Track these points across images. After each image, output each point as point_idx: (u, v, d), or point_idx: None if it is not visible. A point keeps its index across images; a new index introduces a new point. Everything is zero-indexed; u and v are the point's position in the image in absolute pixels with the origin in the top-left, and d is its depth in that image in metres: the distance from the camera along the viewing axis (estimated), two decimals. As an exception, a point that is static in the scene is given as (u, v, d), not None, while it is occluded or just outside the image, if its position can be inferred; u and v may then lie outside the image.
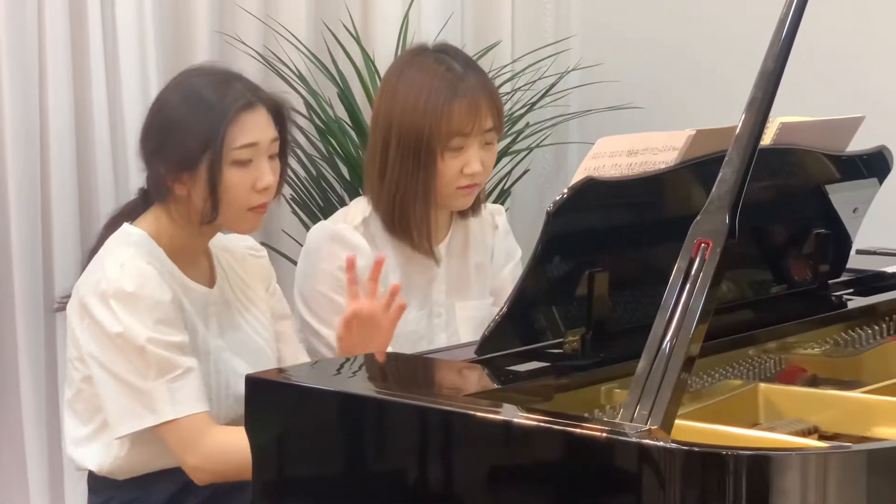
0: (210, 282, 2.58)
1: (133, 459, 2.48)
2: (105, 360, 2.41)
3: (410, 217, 2.75)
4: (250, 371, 2.49)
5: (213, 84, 2.50)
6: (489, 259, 2.93)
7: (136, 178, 3.49)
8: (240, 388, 2.46)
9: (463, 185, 2.74)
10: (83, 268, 2.55)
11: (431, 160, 2.70)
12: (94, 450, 2.51)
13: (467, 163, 2.72)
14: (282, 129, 2.55)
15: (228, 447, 2.38)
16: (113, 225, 2.56)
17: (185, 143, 2.45)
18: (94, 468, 2.53)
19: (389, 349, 2.57)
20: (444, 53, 2.78)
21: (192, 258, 2.56)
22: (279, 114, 2.55)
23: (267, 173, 2.49)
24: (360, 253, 2.72)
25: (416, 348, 2.70)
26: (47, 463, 3.49)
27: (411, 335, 2.78)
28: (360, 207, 2.82)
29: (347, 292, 2.59)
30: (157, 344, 2.38)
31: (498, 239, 2.95)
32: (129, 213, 2.58)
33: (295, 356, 2.70)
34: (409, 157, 2.71)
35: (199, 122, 2.45)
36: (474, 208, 2.85)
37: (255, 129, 2.48)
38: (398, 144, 2.72)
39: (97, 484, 2.57)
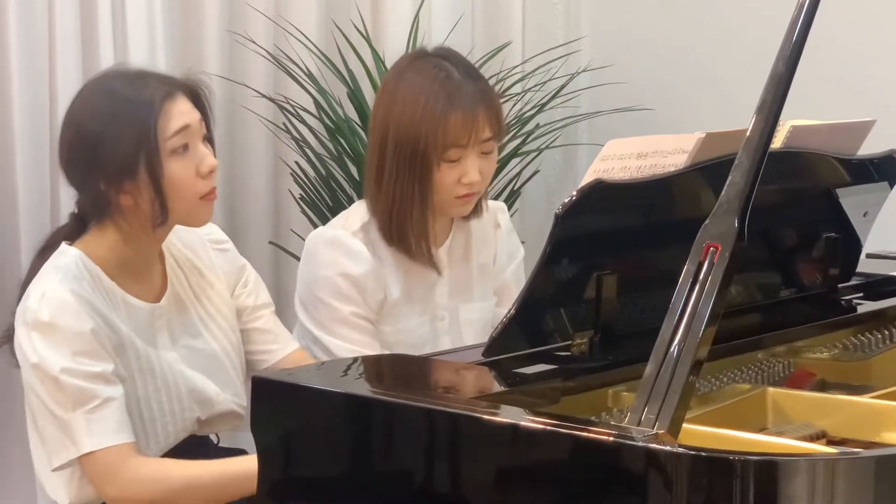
0: (160, 293, 2.49)
1: (90, 491, 2.39)
2: (34, 390, 2.35)
3: (407, 225, 2.71)
4: (205, 380, 2.49)
5: (125, 84, 2.41)
6: (492, 259, 2.90)
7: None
8: (198, 397, 2.47)
9: (461, 194, 2.70)
10: (20, 295, 2.44)
11: (427, 170, 2.66)
12: (57, 483, 2.42)
13: (465, 173, 2.68)
14: (202, 109, 2.45)
15: (148, 476, 2.33)
16: (42, 255, 2.46)
17: (119, 149, 2.35)
18: (64, 500, 2.42)
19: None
20: (445, 59, 2.73)
21: (140, 270, 2.46)
22: (197, 96, 2.46)
23: (207, 155, 2.41)
24: (359, 259, 2.70)
25: (420, 353, 2.69)
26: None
27: (415, 340, 2.76)
28: (359, 212, 2.77)
29: None
30: (73, 374, 2.30)
31: (501, 238, 2.91)
32: (61, 238, 2.46)
33: (281, 347, 2.64)
34: (406, 165, 2.67)
35: (125, 124, 2.36)
36: (475, 212, 2.81)
37: (182, 114, 2.38)
38: (395, 151, 2.68)
39: None
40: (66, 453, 2.34)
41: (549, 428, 1.73)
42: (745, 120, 1.83)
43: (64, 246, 2.41)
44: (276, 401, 2.00)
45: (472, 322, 2.84)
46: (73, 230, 2.46)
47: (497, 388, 2.04)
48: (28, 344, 2.34)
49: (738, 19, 4.11)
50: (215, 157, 2.46)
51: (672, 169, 2.19)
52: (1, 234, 3.38)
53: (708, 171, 2.19)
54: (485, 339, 2.81)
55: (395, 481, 1.86)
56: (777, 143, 2.34)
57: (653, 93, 4.17)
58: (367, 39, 3.87)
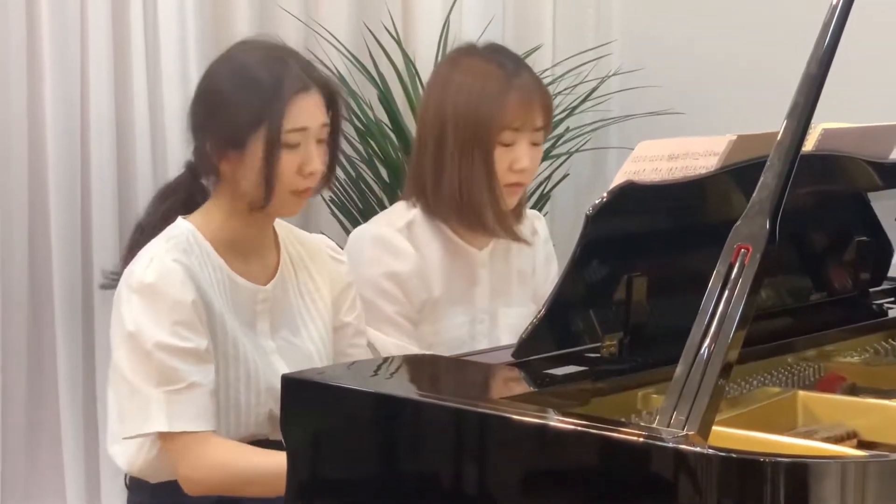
0: (267, 278, 2.51)
1: (162, 462, 2.43)
2: (118, 356, 2.38)
3: (482, 205, 2.70)
4: None
5: (266, 61, 2.44)
6: (531, 266, 2.90)
7: (175, 171, 3.52)
8: (276, 394, 2.42)
9: (511, 181, 2.71)
10: (130, 240, 2.52)
11: (489, 147, 2.67)
12: (122, 449, 2.46)
13: (517, 158, 2.69)
14: (333, 113, 2.48)
15: (217, 461, 2.36)
16: (161, 197, 2.53)
17: (235, 119, 2.39)
18: (124, 467, 2.49)
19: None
20: (496, 52, 2.77)
21: (248, 250, 2.49)
22: (331, 98, 2.49)
23: (314, 157, 2.43)
24: (404, 257, 2.70)
25: None
26: (83, 465, 3.51)
27: (454, 342, 2.76)
28: (402, 210, 2.78)
29: None
30: (166, 349, 2.33)
31: (539, 245, 2.92)
32: (176, 188, 2.53)
33: None
34: (469, 146, 2.67)
35: (250, 99, 2.39)
36: (517, 212, 2.81)
37: (307, 113, 2.42)
38: (455, 136, 2.68)
39: (132, 484, 2.55)
40: (138, 427, 2.36)
41: (578, 429, 1.73)
42: (776, 123, 1.83)
43: (179, 219, 2.46)
44: (306, 400, 2.00)
45: (511, 327, 2.82)
46: (187, 179, 2.53)
47: (526, 388, 2.03)
48: (128, 308, 2.36)
49: (770, 22, 4.10)
50: (334, 158, 2.50)
51: (703, 171, 2.18)
52: (32, 230, 3.40)
53: (739, 174, 2.18)
54: None
55: (424, 481, 1.87)
56: (809, 145, 2.33)
57: (684, 96, 4.16)
58: (398, 42, 3.87)
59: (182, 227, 2.45)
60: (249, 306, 2.48)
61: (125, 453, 2.46)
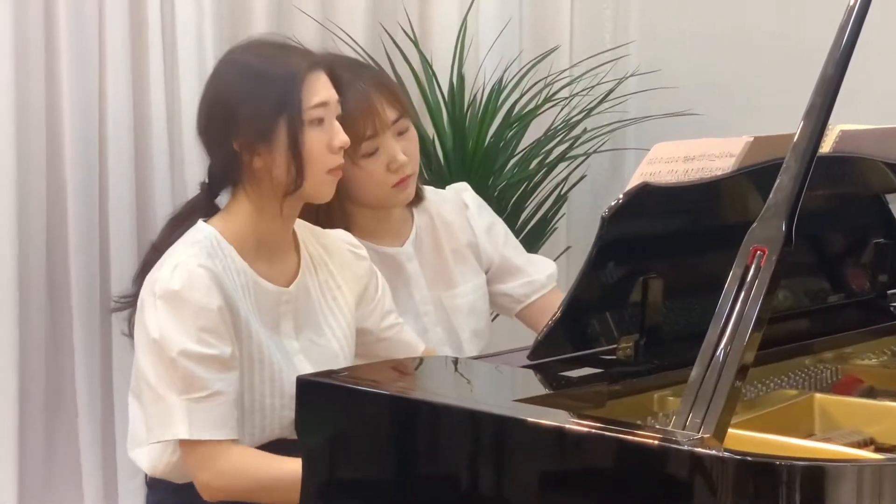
0: (290, 280, 2.52)
1: (174, 470, 2.45)
2: (143, 363, 2.39)
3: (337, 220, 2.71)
4: None
5: (267, 53, 2.48)
6: (469, 238, 2.89)
7: (193, 180, 3.52)
8: None
9: (394, 182, 2.72)
10: (144, 260, 2.52)
11: (349, 171, 2.60)
12: (146, 451, 2.48)
13: (391, 158, 2.70)
14: (337, 90, 2.50)
15: (236, 468, 2.36)
16: (174, 224, 2.52)
17: (260, 111, 2.40)
18: (148, 470, 2.50)
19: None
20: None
21: (271, 252, 2.50)
22: (334, 75, 2.51)
23: (340, 131, 2.46)
24: None
25: (416, 352, 2.67)
26: (101, 468, 3.51)
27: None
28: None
29: None
30: (190, 357, 2.33)
31: (472, 217, 2.91)
32: (191, 210, 2.53)
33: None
34: None
35: (268, 88, 2.41)
36: (416, 200, 2.82)
37: (322, 88, 2.45)
38: None
39: (152, 482, 2.56)
40: (160, 433, 2.37)
41: (594, 431, 1.73)
42: (793, 124, 1.82)
43: (200, 223, 2.46)
44: (321, 402, 2.00)
45: (459, 308, 2.84)
46: (203, 200, 2.52)
47: (542, 390, 2.03)
48: (152, 315, 2.36)
49: (788, 23, 4.09)
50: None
51: (719, 172, 2.18)
52: (51, 230, 3.40)
53: (755, 175, 2.17)
54: (476, 322, 2.84)
55: (439, 484, 1.87)
56: (826, 147, 2.32)
57: (701, 97, 4.15)
58: (415, 43, 3.87)
59: (205, 230, 2.45)
60: (273, 308, 2.48)
61: (148, 456, 2.47)
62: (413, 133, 2.77)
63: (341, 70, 2.60)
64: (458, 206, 2.90)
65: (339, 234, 2.65)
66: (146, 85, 3.49)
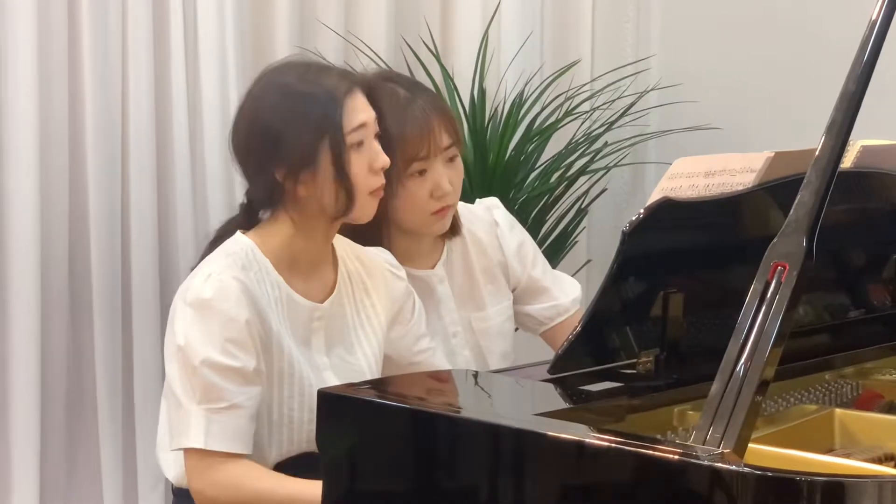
0: (325, 295, 2.51)
1: None
2: (169, 369, 2.39)
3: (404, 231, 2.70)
4: None
5: (306, 75, 2.44)
6: (497, 262, 2.86)
7: (214, 187, 3.54)
8: None
9: (435, 209, 2.69)
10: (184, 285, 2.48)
11: (390, 190, 2.56)
12: (172, 459, 2.48)
13: (436, 184, 2.67)
14: (375, 108, 2.48)
15: (225, 482, 2.35)
16: (213, 245, 2.49)
17: (301, 139, 2.38)
18: (173, 480, 2.51)
19: None
20: (388, 81, 2.70)
21: (308, 268, 2.49)
22: (371, 94, 2.49)
23: (380, 152, 2.44)
24: None
25: None
26: (122, 470, 3.52)
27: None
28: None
29: None
30: (213, 367, 2.33)
31: (503, 235, 2.88)
32: (230, 232, 2.49)
33: None
34: None
35: (307, 115, 2.39)
36: (453, 230, 2.79)
37: (361, 110, 2.43)
38: None
39: (178, 490, 2.56)
40: (178, 441, 2.37)
41: (614, 445, 1.73)
42: (814, 140, 1.82)
43: (238, 234, 2.46)
44: (342, 415, 2.01)
45: (488, 330, 2.82)
46: (244, 221, 2.50)
47: (562, 404, 2.03)
48: (181, 322, 2.37)
49: (809, 39, 4.09)
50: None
51: (740, 188, 2.18)
52: (72, 235, 3.42)
53: (776, 191, 2.18)
54: (504, 344, 2.83)
55: (459, 498, 1.87)
56: (847, 162, 2.32)
57: (722, 111, 4.15)
58: (437, 56, 3.88)
59: (242, 242, 2.44)
60: (305, 323, 2.48)
61: (176, 465, 2.48)
62: (460, 164, 2.74)
63: (398, 87, 2.62)
64: (489, 223, 2.87)
65: (380, 252, 2.64)
66: (168, 96, 3.52)
